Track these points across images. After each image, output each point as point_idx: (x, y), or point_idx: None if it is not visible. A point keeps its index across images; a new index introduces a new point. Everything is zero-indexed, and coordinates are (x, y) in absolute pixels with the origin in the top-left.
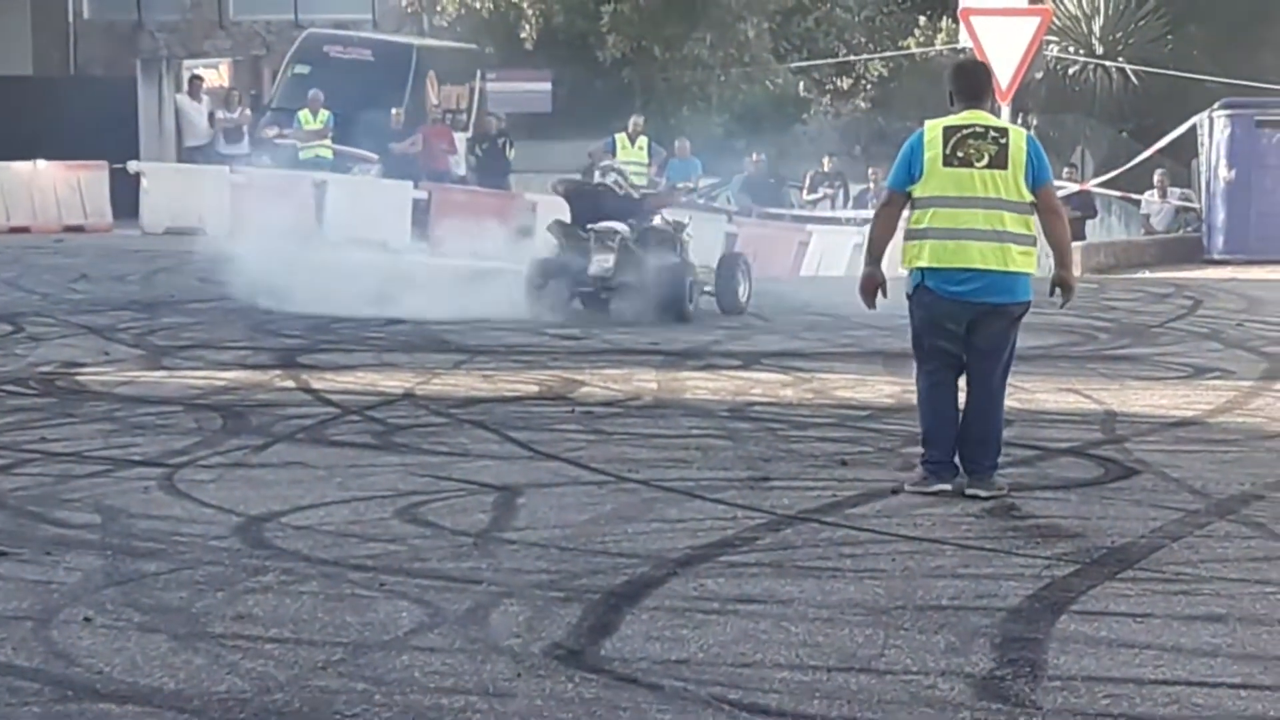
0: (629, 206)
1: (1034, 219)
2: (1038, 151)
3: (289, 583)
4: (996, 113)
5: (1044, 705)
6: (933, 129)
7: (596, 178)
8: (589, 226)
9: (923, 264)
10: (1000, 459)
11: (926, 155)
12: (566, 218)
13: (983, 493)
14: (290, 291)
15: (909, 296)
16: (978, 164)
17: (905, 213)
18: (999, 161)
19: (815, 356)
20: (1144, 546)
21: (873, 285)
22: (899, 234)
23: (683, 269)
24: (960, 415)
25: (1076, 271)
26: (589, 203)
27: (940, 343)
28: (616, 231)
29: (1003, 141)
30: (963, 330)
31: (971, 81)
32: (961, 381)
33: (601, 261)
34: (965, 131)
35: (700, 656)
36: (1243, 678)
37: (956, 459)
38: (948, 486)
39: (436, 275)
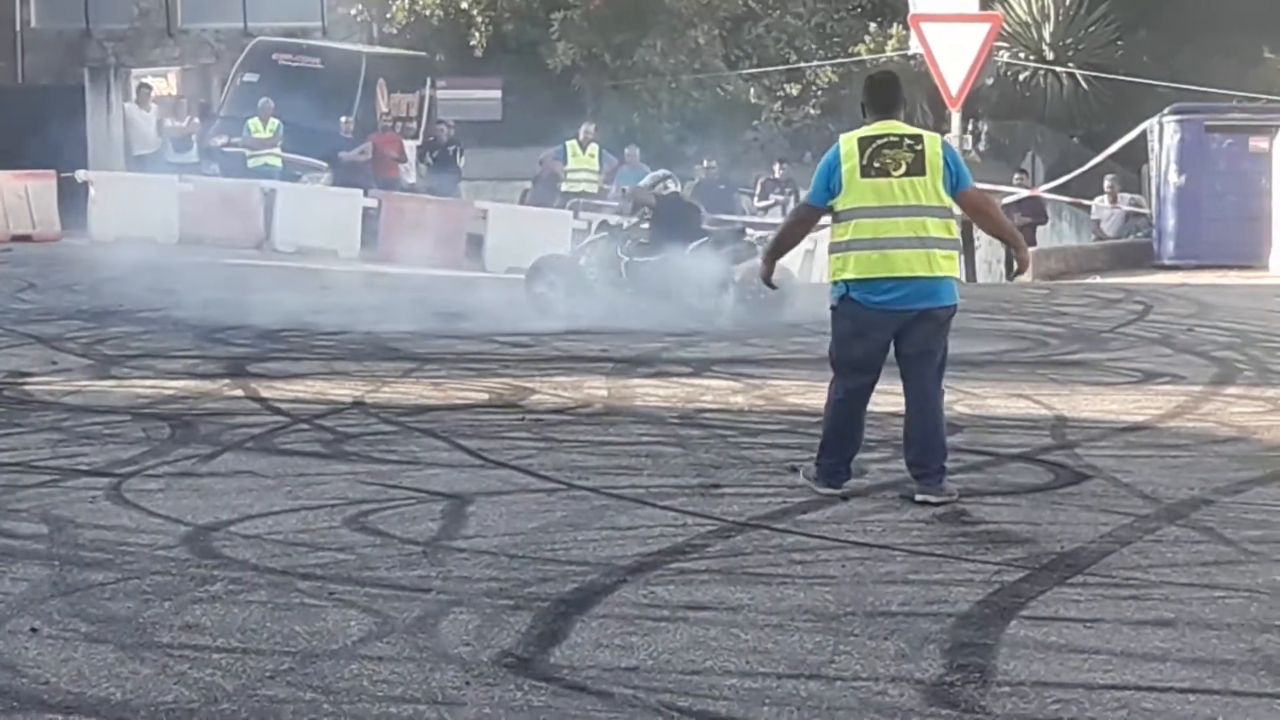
0: (696, 214)
1: (955, 223)
2: (954, 156)
3: (237, 592)
4: (941, 122)
5: (994, 711)
6: (848, 142)
7: (671, 187)
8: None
9: (849, 276)
10: (947, 463)
11: (844, 168)
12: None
13: (933, 498)
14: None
15: (833, 309)
16: (895, 173)
17: (829, 223)
18: (916, 168)
19: (766, 363)
20: (1094, 552)
21: (769, 274)
22: (816, 242)
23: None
24: (864, 431)
25: (1027, 277)
26: (672, 211)
27: (863, 354)
28: (746, 236)
29: (918, 148)
30: (889, 339)
31: (884, 94)
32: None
33: (750, 269)
34: (880, 141)
35: (650, 664)
36: (1192, 682)
37: (851, 465)
38: (836, 492)
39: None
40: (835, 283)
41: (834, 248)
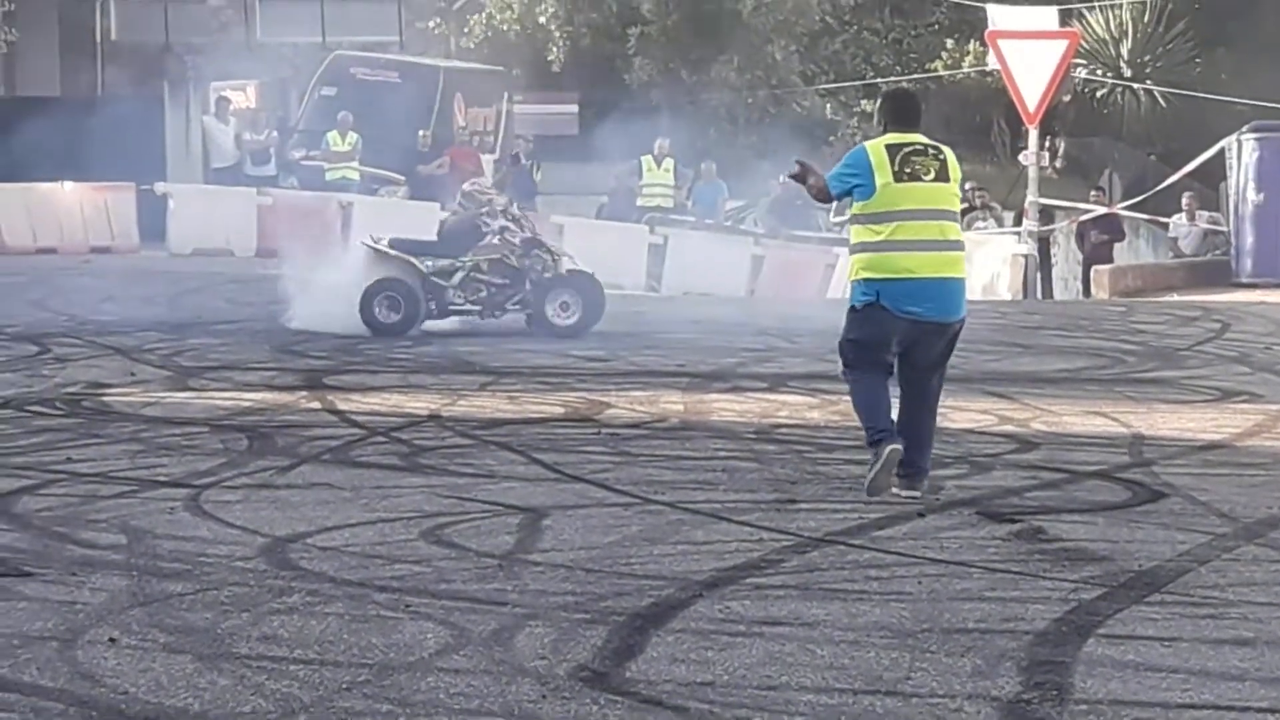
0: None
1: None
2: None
3: (314, 604)
4: (1018, 139)
5: None
6: (875, 150)
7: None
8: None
9: (880, 276)
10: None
11: (877, 176)
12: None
13: (915, 492)
14: None
15: (856, 310)
16: (926, 177)
17: (852, 226)
18: (942, 175)
19: (841, 379)
20: (1171, 570)
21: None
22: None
23: None
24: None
25: (1105, 294)
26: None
27: (884, 354)
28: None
29: (941, 158)
30: (902, 343)
31: (906, 108)
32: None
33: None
34: (908, 149)
35: (725, 679)
36: (1270, 702)
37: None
38: (898, 445)
39: None
40: (865, 281)
41: (864, 248)
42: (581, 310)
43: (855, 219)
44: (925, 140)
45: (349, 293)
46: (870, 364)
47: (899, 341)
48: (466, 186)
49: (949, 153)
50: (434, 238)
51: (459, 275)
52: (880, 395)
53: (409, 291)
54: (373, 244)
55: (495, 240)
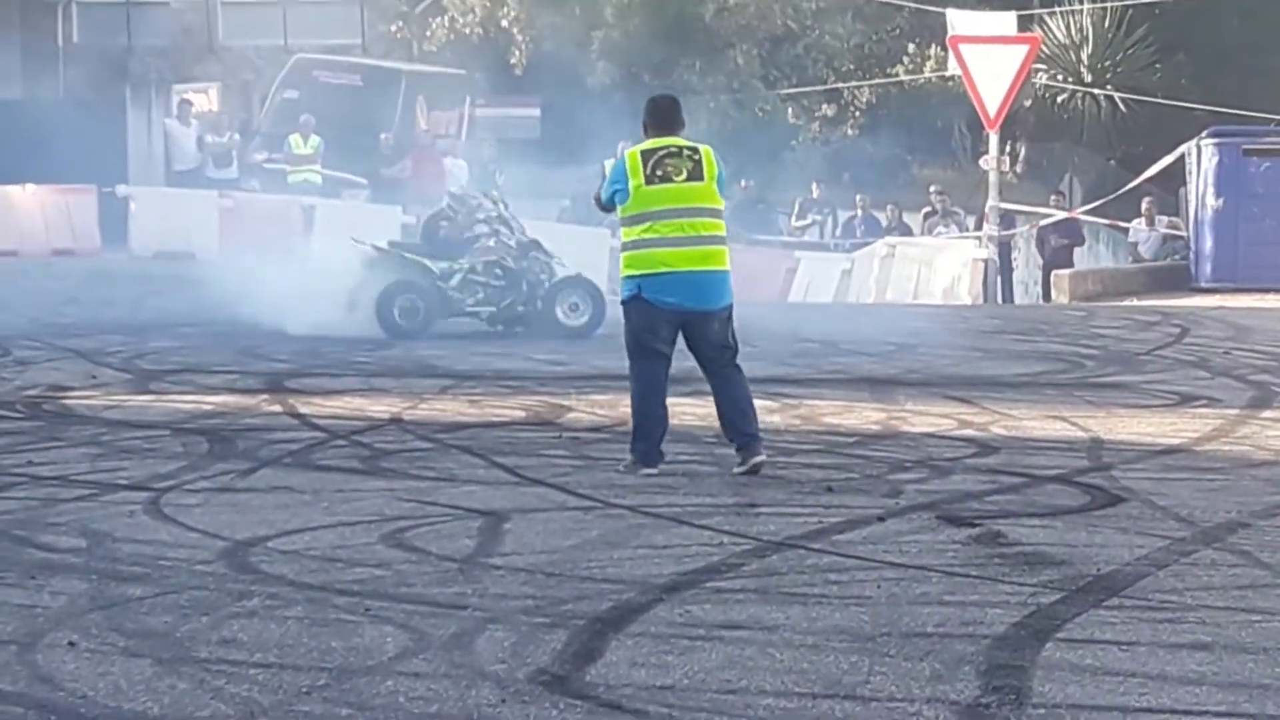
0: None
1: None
2: (723, 167)
3: (274, 607)
4: (979, 144)
5: None
6: (632, 156)
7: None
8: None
9: (638, 272)
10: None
11: (631, 180)
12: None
13: (759, 457)
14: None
15: (624, 304)
16: (677, 179)
17: (622, 228)
18: (696, 175)
19: (803, 383)
20: (1130, 574)
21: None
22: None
23: None
24: (668, 415)
25: (1065, 298)
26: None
27: (655, 342)
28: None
29: (696, 158)
30: (676, 331)
31: (664, 114)
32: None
33: None
34: (661, 153)
35: (685, 683)
36: (1228, 706)
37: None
38: (654, 470)
39: None
40: (627, 279)
41: (624, 247)
42: (591, 310)
43: (622, 220)
44: (683, 142)
45: (351, 296)
46: (647, 353)
47: (671, 331)
48: (455, 189)
49: (706, 151)
50: (417, 240)
51: (456, 278)
52: (655, 407)
53: (425, 293)
54: (379, 245)
55: (490, 243)
